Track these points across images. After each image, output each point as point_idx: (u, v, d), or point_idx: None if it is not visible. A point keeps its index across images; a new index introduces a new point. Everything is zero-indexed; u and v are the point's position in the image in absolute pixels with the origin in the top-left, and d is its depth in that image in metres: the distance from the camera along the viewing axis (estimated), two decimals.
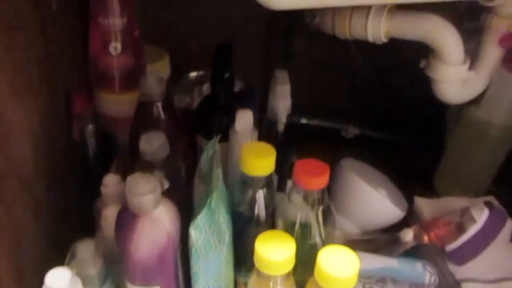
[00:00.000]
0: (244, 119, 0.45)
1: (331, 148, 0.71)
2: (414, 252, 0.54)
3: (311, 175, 0.39)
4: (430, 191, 0.67)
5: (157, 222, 0.38)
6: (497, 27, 0.54)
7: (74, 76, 0.58)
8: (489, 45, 0.55)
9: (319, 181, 0.39)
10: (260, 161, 0.40)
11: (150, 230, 0.38)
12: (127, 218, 0.38)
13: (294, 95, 0.61)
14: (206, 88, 0.73)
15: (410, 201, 0.61)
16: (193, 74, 0.77)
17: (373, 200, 0.56)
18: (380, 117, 0.77)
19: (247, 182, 0.41)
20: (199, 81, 0.76)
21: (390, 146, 0.77)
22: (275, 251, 0.35)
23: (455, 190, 0.63)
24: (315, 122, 0.79)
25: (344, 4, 0.48)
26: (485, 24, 0.55)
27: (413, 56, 0.57)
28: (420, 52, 0.56)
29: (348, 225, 0.59)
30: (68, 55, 0.56)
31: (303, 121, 0.78)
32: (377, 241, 0.57)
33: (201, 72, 0.77)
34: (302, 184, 0.40)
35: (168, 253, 0.39)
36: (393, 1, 0.49)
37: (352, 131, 0.80)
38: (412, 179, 0.67)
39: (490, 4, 0.52)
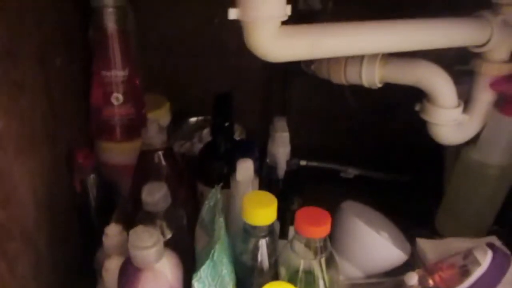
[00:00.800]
0: (245, 169, 0.46)
1: (331, 190, 0.72)
2: None
3: (313, 224, 0.39)
4: (432, 232, 0.67)
5: (160, 275, 0.38)
6: (487, 72, 0.56)
7: (76, 130, 0.59)
8: (480, 89, 0.57)
9: (321, 230, 0.40)
10: (261, 210, 0.40)
11: (154, 284, 0.38)
12: (130, 271, 0.38)
13: (294, 138, 0.62)
14: (206, 133, 0.75)
15: (412, 243, 0.61)
16: (193, 119, 0.79)
17: (376, 244, 0.56)
18: (379, 158, 0.78)
19: (249, 232, 0.41)
20: (199, 127, 0.78)
21: (390, 187, 0.78)
22: None
23: (456, 231, 0.63)
24: (314, 164, 0.80)
25: (338, 55, 0.50)
26: (475, 69, 0.56)
27: (409, 97, 0.59)
28: (417, 93, 0.58)
29: (351, 269, 0.59)
30: (71, 109, 0.57)
31: (303, 163, 0.78)
32: (382, 285, 0.56)
33: (201, 118, 0.79)
34: (304, 233, 0.40)
35: None
36: (384, 50, 0.51)
37: (351, 172, 0.80)
38: (413, 219, 0.67)
39: (479, 50, 0.54)
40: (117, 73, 0.59)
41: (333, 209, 0.62)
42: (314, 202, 0.53)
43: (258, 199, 0.41)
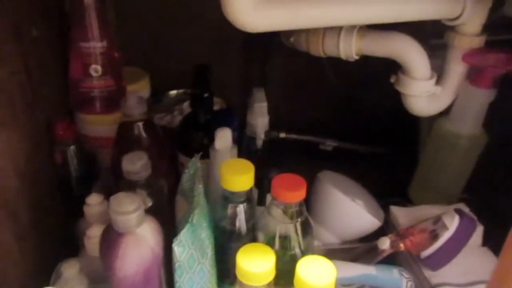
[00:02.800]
0: (223, 138, 0.47)
1: (310, 161, 0.74)
2: (391, 260, 0.56)
3: (289, 189, 0.41)
4: (405, 201, 0.70)
5: (141, 240, 0.39)
6: (460, 45, 0.57)
7: (56, 102, 0.59)
8: (453, 61, 0.58)
9: (297, 195, 0.41)
10: (239, 177, 0.41)
11: (135, 248, 0.39)
12: (112, 236, 0.39)
13: (273, 110, 0.63)
14: (186, 106, 0.75)
15: (386, 210, 0.63)
16: (173, 92, 0.79)
17: (351, 211, 0.58)
18: (357, 130, 0.80)
19: (228, 198, 0.43)
20: (179, 99, 0.78)
21: (367, 159, 0.80)
22: (255, 263, 0.37)
23: (429, 199, 0.66)
24: (293, 136, 0.81)
25: (316, 26, 0.50)
26: (449, 42, 0.58)
27: (385, 70, 0.60)
28: (392, 66, 0.59)
29: (327, 235, 0.61)
30: (50, 81, 0.57)
31: (282, 135, 0.80)
32: (356, 250, 0.59)
33: (181, 91, 0.79)
34: (280, 198, 0.42)
35: (153, 270, 0.40)
36: (361, 22, 0.52)
37: (330, 144, 0.82)
38: (388, 189, 0.69)
39: (452, 23, 0.55)
40: (95, 45, 0.59)
41: (312, 180, 0.64)
42: (293, 172, 0.55)
43: (236, 166, 0.42)
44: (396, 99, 0.61)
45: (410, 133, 0.73)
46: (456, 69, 0.59)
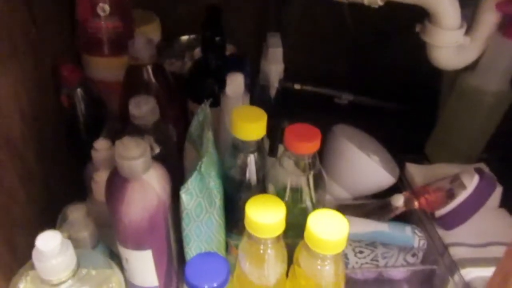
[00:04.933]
0: (235, 83, 0.44)
1: (324, 114, 0.71)
2: (404, 217, 0.55)
3: (302, 140, 0.39)
4: (422, 158, 0.67)
5: (147, 186, 0.38)
6: None
7: (61, 42, 0.56)
8: (486, 10, 0.54)
9: (310, 146, 0.39)
10: (250, 125, 0.39)
11: (140, 194, 0.38)
12: (117, 182, 0.38)
13: (288, 60, 0.59)
14: (197, 52, 0.72)
15: (402, 168, 0.61)
16: (184, 37, 0.76)
17: (365, 166, 0.57)
18: (375, 84, 0.76)
19: (238, 146, 0.41)
20: (190, 45, 0.75)
21: (384, 113, 0.77)
22: (265, 215, 0.35)
23: (447, 158, 0.64)
24: (308, 88, 0.78)
25: None
26: None
27: (409, 23, 0.56)
28: (416, 18, 0.55)
29: (339, 190, 0.60)
30: (54, 19, 0.54)
31: (297, 86, 0.77)
32: (368, 206, 0.58)
33: (193, 36, 0.76)
34: (293, 149, 0.40)
35: (159, 217, 0.39)
36: None
37: (346, 98, 0.79)
38: (405, 146, 0.67)
39: None
40: None
41: (326, 133, 0.62)
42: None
43: (247, 113, 0.40)
44: (417, 52, 0.57)
45: (431, 89, 0.70)
46: (488, 18, 0.55)
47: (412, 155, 0.66)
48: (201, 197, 0.39)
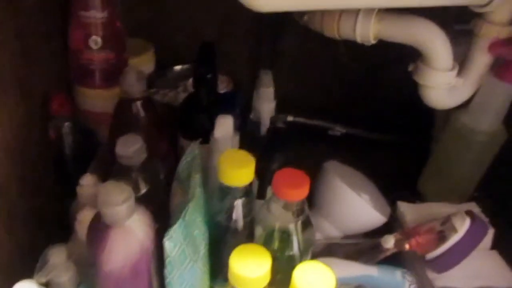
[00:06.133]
0: (224, 125, 0.44)
1: (317, 146, 0.71)
2: (395, 258, 0.54)
3: (291, 186, 0.38)
4: (414, 194, 0.67)
5: (130, 233, 0.37)
6: (487, 34, 0.53)
7: (53, 74, 0.56)
8: (478, 51, 0.54)
9: (299, 193, 0.38)
10: (238, 171, 0.38)
11: (123, 242, 0.37)
12: (99, 228, 0.37)
13: (281, 92, 0.59)
14: (191, 82, 0.72)
15: (393, 205, 0.61)
16: (178, 67, 0.76)
17: (356, 205, 0.56)
18: (368, 116, 0.76)
19: (225, 191, 0.40)
20: (184, 75, 0.74)
21: (377, 146, 0.77)
22: (249, 268, 0.35)
23: (439, 195, 0.63)
24: (301, 119, 0.78)
25: (329, 8, 0.46)
26: (475, 31, 0.54)
27: (402, 56, 0.56)
28: (409, 51, 0.55)
29: (329, 227, 0.59)
30: (46, 52, 0.53)
31: (290, 118, 0.77)
32: (358, 246, 0.57)
33: (186, 66, 0.76)
34: (281, 195, 0.39)
35: (142, 264, 0.38)
36: (381, 5, 0.48)
37: (339, 129, 0.79)
38: (397, 180, 0.66)
39: (480, 10, 0.51)
40: (96, 14, 0.55)
41: (318, 166, 0.61)
42: (299, 159, 0.52)
43: (235, 158, 0.39)
44: (410, 86, 0.57)
45: (424, 122, 0.70)
46: (481, 60, 0.55)
47: (404, 192, 0.65)
48: (185, 244, 0.38)
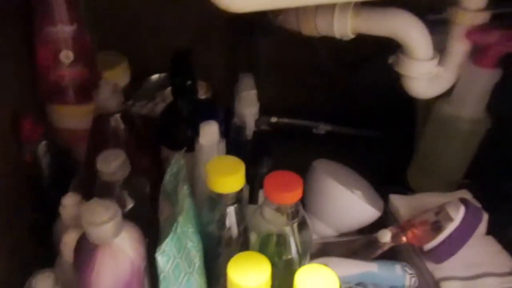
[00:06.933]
0: (209, 132, 0.42)
1: (303, 146, 0.70)
2: (392, 252, 0.53)
3: (284, 190, 0.37)
4: (404, 186, 0.66)
5: (119, 251, 0.35)
6: (463, 21, 0.53)
7: (21, 93, 0.53)
8: (456, 39, 0.54)
9: (292, 195, 0.37)
10: (228, 177, 0.37)
11: (112, 261, 0.35)
12: (86, 248, 0.35)
13: (262, 94, 0.58)
14: (168, 92, 0.70)
15: (385, 197, 0.60)
16: (154, 77, 0.74)
17: (348, 202, 0.55)
18: (351, 113, 0.76)
19: (216, 200, 0.39)
20: (161, 85, 0.72)
21: (362, 142, 0.76)
22: (249, 276, 0.33)
23: (428, 185, 0.63)
24: (285, 120, 0.77)
25: (309, 4, 0.45)
26: (451, 19, 0.53)
27: (381, 49, 0.56)
28: (389, 44, 0.55)
29: (323, 227, 0.58)
30: (12, 72, 0.51)
31: (273, 119, 0.75)
32: (354, 243, 0.56)
33: (163, 75, 0.74)
34: (274, 199, 0.37)
35: (133, 283, 0.36)
36: None
37: (323, 128, 0.78)
38: (385, 173, 0.66)
39: None
40: (64, 29, 0.53)
41: (305, 166, 0.60)
42: (285, 160, 0.50)
43: (223, 164, 0.38)
44: (390, 79, 0.57)
45: (406, 114, 0.70)
46: (459, 48, 0.55)
47: (393, 184, 0.65)
48: (179, 257, 0.36)
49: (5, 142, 0.48)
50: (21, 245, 0.48)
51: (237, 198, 0.39)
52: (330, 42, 0.56)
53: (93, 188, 0.44)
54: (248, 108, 0.47)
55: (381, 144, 0.75)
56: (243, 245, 0.40)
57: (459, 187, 0.61)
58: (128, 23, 0.70)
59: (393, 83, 0.57)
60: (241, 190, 0.39)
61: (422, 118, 0.66)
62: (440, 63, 0.54)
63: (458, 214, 0.49)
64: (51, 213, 0.47)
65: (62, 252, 0.45)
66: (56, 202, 0.46)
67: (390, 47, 0.55)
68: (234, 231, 0.39)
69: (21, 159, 0.50)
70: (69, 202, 0.46)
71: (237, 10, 0.41)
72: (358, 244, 0.55)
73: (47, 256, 0.47)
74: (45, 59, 0.54)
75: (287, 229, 0.39)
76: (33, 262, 0.45)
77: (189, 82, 0.49)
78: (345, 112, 0.76)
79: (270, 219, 0.39)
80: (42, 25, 0.52)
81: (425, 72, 0.53)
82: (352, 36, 0.54)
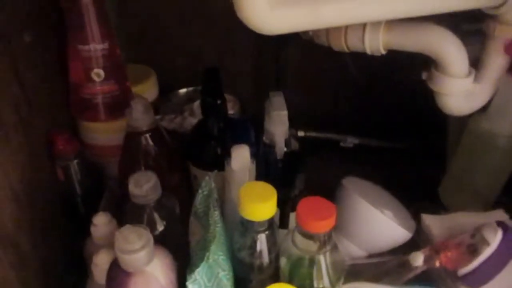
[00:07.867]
0: (240, 156, 0.42)
1: (331, 160, 0.69)
2: (423, 274, 0.52)
3: (317, 218, 0.36)
4: (435, 202, 0.64)
5: (151, 279, 0.35)
6: (501, 35, 0.51)
7: (55, 112, 0.54)
8: (493, 54, 0.52)
9: (325, 224, 0.36)
10: (260, 205, 0.36)
11: None
12: (118, 275, 0.35)
13: (289, 107, 0.58)
14: (197, 105, 0.70)
15: (416, 217, 0.58)
16: (182, 91, 0.74)
17: (379, 223, 0.54)
18: (379, 126, 0.75)
19: (247, 226, 0.38)
20: (189, 98, 0.73)
21: (391, 155, 0.75)
22: None
23: (462, 201, 0.61)
24: (312, 134, 0.76)
25: (341, 24, 0.45)
26: (487, 32, 0.52)
27: (411, 63, 0.55)
28: (419, 58, 0.53)
29: (352, 247, 0.57)
30: (47, 90, 0.52)
31: (301, 133, 0.75)
32: (385, 265, 0.54)
33: (191, 89, 0.74)
34: (307, 227, 0.37)
35: None
36: (391, 17, 0.46)
37: (351, 141, 0.77)
38: (415, 189, 0.64)
39: (493, 12, 0.49)
40: (96, 47, 0.54)
41: (333, 181, 0.59)
42: (313, 175, 0.49)
43: (256, 191, 0.37)
44: (420, 91, 0.55)
45: (436, 127, 0.68)
46: (496, 62, 0.53)
47: (424, 201, 0.63)
48: (210, 286, 0.36)
49: (39, 158, 0.49)
50: (54, 259, 0.49)
51: (269, 224, 0.38)
52: (358, 54, 0.55)
53: (124, 206, 0.44)
54: (278, 127, 0.46)
55: (411, 157, 0.73)
56: (274, 273, 0.40)
57: (495, 205, 0.59)
58: (155, 38, 0.71)
59: (424, 95, 0.55)
60: (273, 217, 0.38)
61: (455, 133, 0.64)
62: (476, 79, 0.53)
63: (495, 238, 0.48)
64: (83, 229, 0.47)
65: (93, 273, 0.46)
66: (88, 218, 0.46)
67: (421, 59, 0.53)
68: (265, 258, 0.39)
69: (54, 175, 0.50)
70: (100, 222, 0.46)
71: (269, 32, 0.40)
72: (388, 266, 0.54)
73: (80, 271, 0.48)
74: (77, 76, 0.55)
75: (319, 257, 0.38)
76: (67, 279, 0.45)
77: (219, 101, 0.49)
78: (374, 125, 0.75)
79: (302, 246, 0.38)
80: (75, 44, 0.53)
81: (461, 90, 0.52)
82: (384, 52, 0.52)
